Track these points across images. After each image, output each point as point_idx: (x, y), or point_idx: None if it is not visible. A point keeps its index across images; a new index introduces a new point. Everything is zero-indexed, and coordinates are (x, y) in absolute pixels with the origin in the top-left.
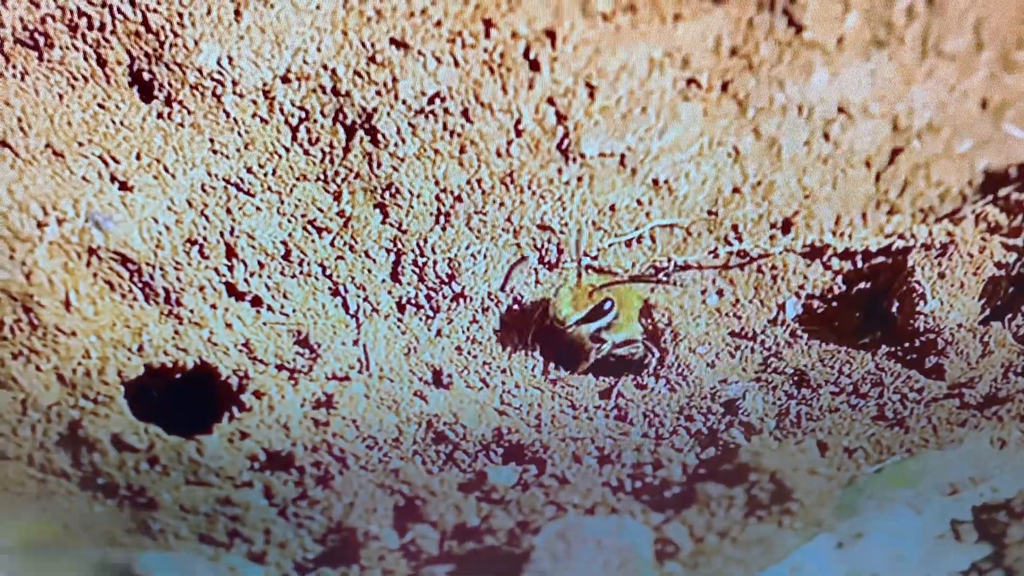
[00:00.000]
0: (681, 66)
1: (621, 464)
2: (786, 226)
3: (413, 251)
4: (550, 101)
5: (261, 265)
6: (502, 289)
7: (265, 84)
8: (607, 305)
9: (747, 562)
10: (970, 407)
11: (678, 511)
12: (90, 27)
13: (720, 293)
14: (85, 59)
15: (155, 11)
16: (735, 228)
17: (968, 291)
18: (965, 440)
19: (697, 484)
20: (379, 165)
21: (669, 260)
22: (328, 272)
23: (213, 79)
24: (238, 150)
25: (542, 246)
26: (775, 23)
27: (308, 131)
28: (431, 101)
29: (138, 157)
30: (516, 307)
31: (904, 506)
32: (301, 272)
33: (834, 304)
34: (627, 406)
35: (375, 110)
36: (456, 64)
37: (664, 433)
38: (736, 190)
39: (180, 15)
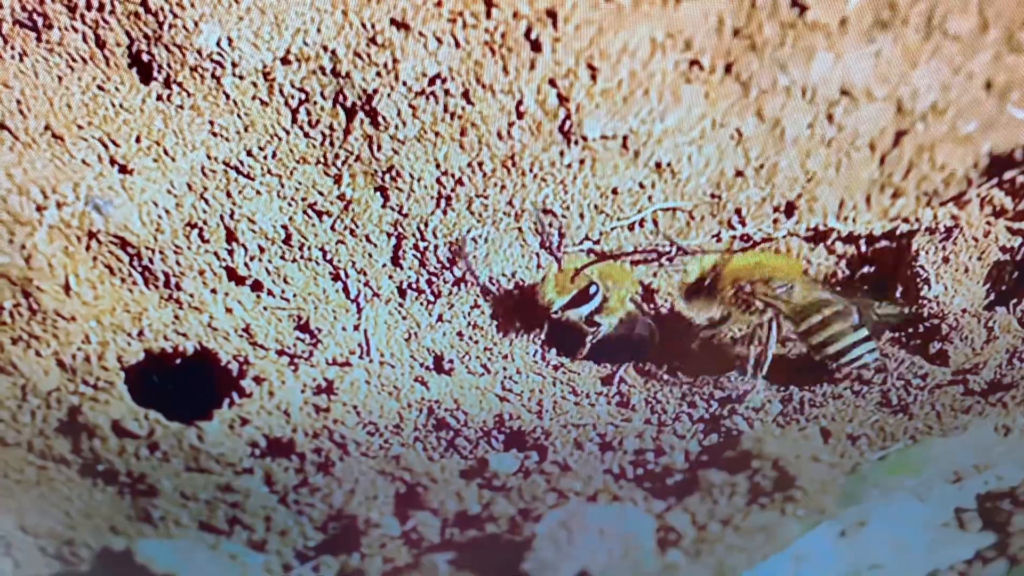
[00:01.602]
0: (683, 47)
1: (623, 451)
2: (789, 210)
3: (414, 235)
4: (552, 82)
5: (261, 249)
6: (469, 273)
7: (265, 66)
8: (592, 289)
9: (750, 550)
10: (974, 394)
11: (680, 498)
12: (89, 7)
13: None
14: (84, 40)
15: None
16: (738, 212)
17: (973, 276)
18: (969, 427)
19: (699, 471)
20: (379, 148)
21: (671, 244)
22: (329, 256)
23: (213, 61)
24: (238, 133)
25: (544, 230)
26: (778, 3)
27: (308, 113)
28: (432, 82)
29: (138, 140)
30: (518, 292)
31: (908, 494)
32: (302, 256)
33: (838, 289)
34: (629, 392)
35: (375, 92)
36: (457, 45)
37: (666, 420)
38: (739, 173)
39: None
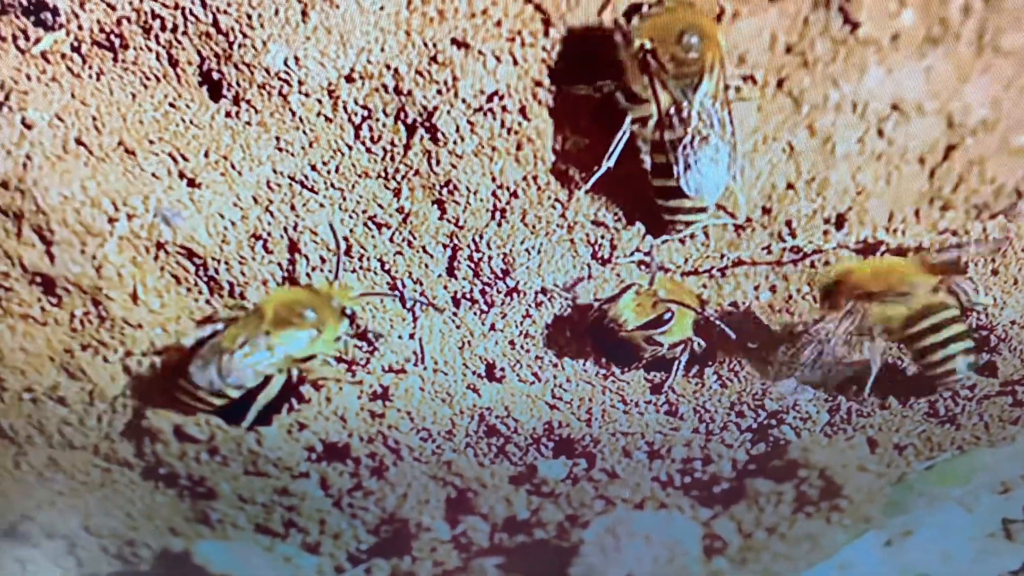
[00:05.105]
0: (737, 63)
1: (671, 459)
2: (839, 222)
3: (469, 246)
4: None
5: (323, 260)
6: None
7: (330, 83)
8: (667, 315)
9: (795, 559)
10: (1023, 405)
11: (727, 507)
12: (163, 28)
13: (773, 289)
14: (157, 59)
15: (225, 12)
16: (788, 224)
17: (1022, 288)
18: (1017, 438)
19: (746, 480)
20: (438, 162)
21: (722, 257)
22: (387, 267)
23: (280, 79)
24: (303, 148)
25: (595, 241)
26: (830, 20)
27: (370, 129)
28: (490, 99)
29: (206, 155)
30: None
31: (954, 504)
32: (361, 267)
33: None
34: (678, 401)
35: (436, 108)
36: (515, 63)
37: (714, 429)
38: (790, 186)
39: (249, 16)
